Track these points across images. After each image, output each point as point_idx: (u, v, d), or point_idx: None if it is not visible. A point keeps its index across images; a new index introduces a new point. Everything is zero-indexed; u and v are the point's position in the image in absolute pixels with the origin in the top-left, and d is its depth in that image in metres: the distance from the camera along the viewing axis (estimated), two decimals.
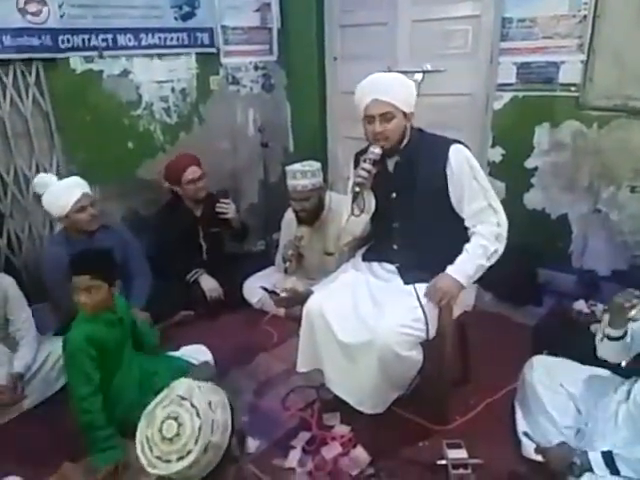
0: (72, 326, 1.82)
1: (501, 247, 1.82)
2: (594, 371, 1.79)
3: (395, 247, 1.94)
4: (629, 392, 1.59)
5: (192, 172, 2.82)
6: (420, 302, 1.77)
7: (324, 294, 1.93)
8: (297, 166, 2.56)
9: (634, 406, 1.54)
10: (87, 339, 1.76)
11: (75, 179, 2.30)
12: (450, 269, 1.80)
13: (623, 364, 1.83)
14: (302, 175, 2.52)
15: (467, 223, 1.85)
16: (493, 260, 1.81)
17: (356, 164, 1.92)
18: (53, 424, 2.07)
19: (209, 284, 2.90)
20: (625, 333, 1.60)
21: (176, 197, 2.92)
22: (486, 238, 1.80)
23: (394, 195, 1.90)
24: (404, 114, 1.80)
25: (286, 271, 2.76)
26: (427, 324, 1.75)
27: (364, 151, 1.87)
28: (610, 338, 1.62)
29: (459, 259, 1.81)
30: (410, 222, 1.88)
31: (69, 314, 2.25)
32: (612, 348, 1.65)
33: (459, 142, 1.85)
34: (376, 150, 1.81)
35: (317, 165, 2.57)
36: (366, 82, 1.82)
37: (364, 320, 1.79)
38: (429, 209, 1.84)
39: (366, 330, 1.75)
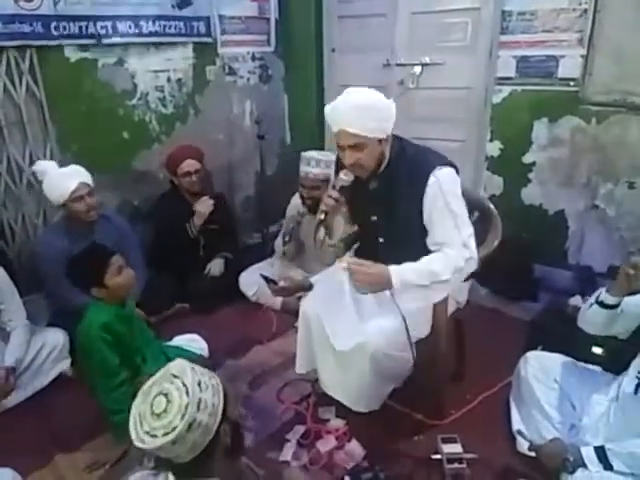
0: (86, 316, 1.81)
1: (453, 280, 1.63)
2: (588, 367, 1.79)
3: (381, 258, 1.75)
4: (619, 388, 1.60)
5: (188, 165, 2.81)
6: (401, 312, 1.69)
7: (320, 296, 1.90)
8: (313, 153, 2.54)
9: (624, 398, 1.55)
10: (103, 327, 1.77)
11: (74, 168, 2.28)
12: (392, 269, 1.61)
13: (599, 351, 1.82)
14: (316, 163, 2.50)
15: (431, 244, 1.71)
16: (435, 288, 1.62)
17: (337, 171, 1.83)
18: (45, 416, 2.07)
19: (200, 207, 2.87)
20: (619, 304, 1.57)
21: (174, 188, 2.91)
22: (444, 264, 1.62)
23: (374, 218, 1.80)
24: (379, 141, 1.64)
25: (284, 254, 2.73)
26: (408, 332, 1.68)
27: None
28: (602, 305, 1.58)
29: (409, 266, 1.63)
30: (394, 240, 1.78)
31: (63, 304, 2.27)
32: (598, 316, 1.60)
33: (445, 164, 1.68)
34: (345, 177, 1.70)
35: (333, 157, 2.53)
36: (331, 108, 1.62)
37: (357, 321, 1.76)
38: (410, 231, 1.72)
39: (359, 332, 1.72)
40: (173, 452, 1.05)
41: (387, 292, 1.65)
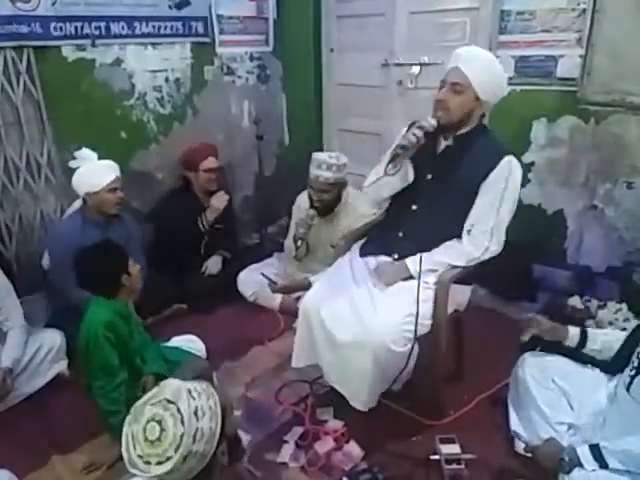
0: (88, 312, 1.81)
1: (464, 264, 1.80)
2: (586, 368, 1.79)
3: (400, 235, 1.90)
4: (616, 388, 1.61)
5: (212, 162, 2.88)
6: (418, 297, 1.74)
7: (321, 290, 1.90)
8: (324, 156, 2.50)
9: (619, 397, 1.56)
10: (106, 325, 1.77)
11: (112, 162, 2.36)
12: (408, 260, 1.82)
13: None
14: (327, 167, 2.46)
15: (465, 226, 1.82)
16: (440, 270, 1.80)
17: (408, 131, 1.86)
18: (43, 417, 2.06)
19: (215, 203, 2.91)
20: (584, 338, 1.68)
21: (186, 185, 2.93)
22: (457, 254, 1.80)
23: (429, 177, 1.85)
24: (477, 97, 1.73)
25: (296, 257, 2.73)
26: (416, 320, 1.72)
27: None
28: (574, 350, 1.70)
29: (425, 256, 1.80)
30: (430, 209, 1.83)
31: (65, 298, 2.29)
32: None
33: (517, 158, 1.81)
34: (432, 121, 1.75)
35: (344, 160, 2.52)
36: (462, 49, 1.78)
37: (360, 316, 1.75)
38: (455, 204, 1.80)
39: (361, 327, 1.72)
40: (168, 478, 1.02)
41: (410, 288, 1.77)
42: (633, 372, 1.54)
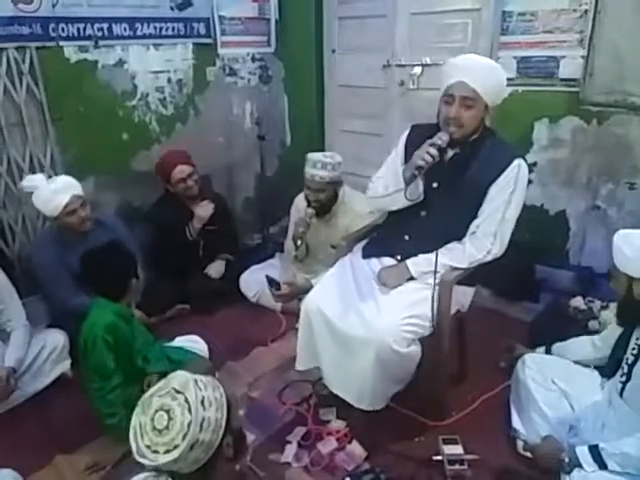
0: (91, 314, 1.82)
1: (466, 266, 1.80)
2: (585, 369, 1.80)
3: (406, 238, 1.90)
4: (611, 391, 1.63)
5: (180, 171, 2.78)
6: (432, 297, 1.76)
7: (322, 291, 1.91)
8: (319, 156, 2.50)
9: (615, 400, 1.58)
10: (107, 327, 1.77)
11: (64, 180, 2.21)
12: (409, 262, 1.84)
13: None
14: (322, 166, 2.46)
15: (470, 227, 1.82)
16: (441, 272, 1.79)
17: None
18: (46, 417, 2.07)
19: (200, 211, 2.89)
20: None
21: (171, 192, 2.90)
22: (459, 257, 1.80)
23: (436, 184, 1.84)
24: (485, 106, 1.73)
25: (296, 257, 2.72)
26: (428, 318, 1.75)
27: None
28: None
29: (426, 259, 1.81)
30: (439, 215, 1.81)
31: (60, 307, 2.30)
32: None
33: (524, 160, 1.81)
34: (444, 137, 1.73)
35: (339, 159, 2.52)
36: (460, 60, 1.74)
37: (362, 315, 1.75)
38: (464, 208, 1.80)
39: (364, 326, 1.72)
40: (174, 467, 1.04)
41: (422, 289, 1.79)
42: (624, 378, 1.56)
